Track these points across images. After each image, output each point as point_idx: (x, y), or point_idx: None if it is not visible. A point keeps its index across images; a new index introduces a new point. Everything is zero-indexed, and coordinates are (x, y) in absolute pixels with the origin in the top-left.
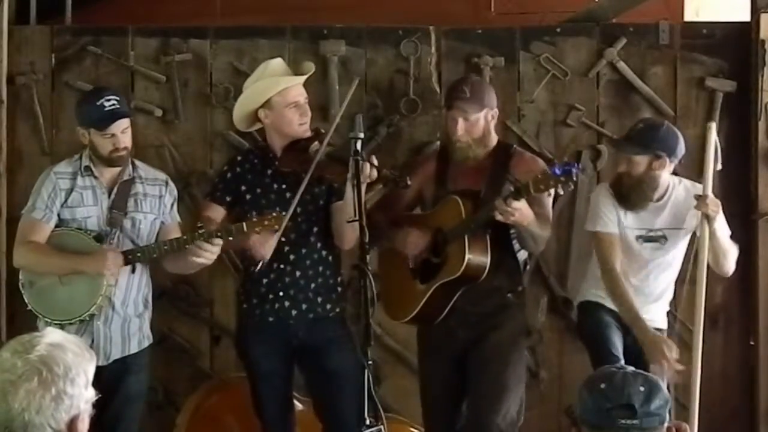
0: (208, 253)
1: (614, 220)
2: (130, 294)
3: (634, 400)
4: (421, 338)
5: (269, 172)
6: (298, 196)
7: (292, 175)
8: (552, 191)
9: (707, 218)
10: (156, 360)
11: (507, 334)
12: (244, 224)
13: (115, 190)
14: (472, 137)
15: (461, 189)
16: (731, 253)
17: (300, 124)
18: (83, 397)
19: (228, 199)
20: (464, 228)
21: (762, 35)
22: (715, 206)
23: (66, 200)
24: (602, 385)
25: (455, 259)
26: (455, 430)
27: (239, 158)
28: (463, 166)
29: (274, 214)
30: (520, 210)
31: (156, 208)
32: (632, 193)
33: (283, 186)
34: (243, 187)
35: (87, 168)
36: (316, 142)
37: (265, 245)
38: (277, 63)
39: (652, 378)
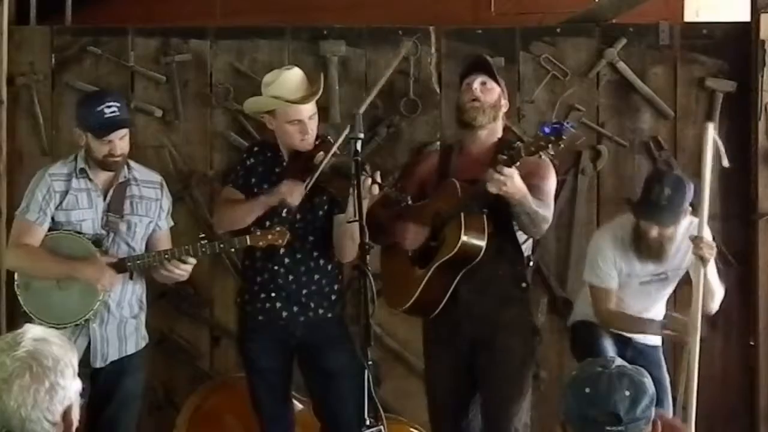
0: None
1: (614, 275)
2: (125, 296)
3: (619, 408)
4: (427, 335)
5: (277, 170)
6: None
7: None
8: (543, 153)
9: (702, 260)
10: (156, 360)
11: (518, 339)
12: (248, 237)
13: (110, 192)
14: (485, 101)
15: (464, 179)
16: (717, 294)
17: (301, 140)
18: (73, 387)
19: (248, 186)
20: (459, 206)
21: (762, 35)
22: (710, 249)
23: (61, 203)
24: (587, 389)
25: (451, 239)
26: (461, 427)
27: (255, 149)
28: (467, 158)
29: (278, 228)
30: (511, 178)
31: (152, 211)
32: (661, 251)
33: None
34: (253, 179)
35: (82, 170)
36: (322, 152)
37: (294, 194)
38: (289, 78)
39: (636, 378)
